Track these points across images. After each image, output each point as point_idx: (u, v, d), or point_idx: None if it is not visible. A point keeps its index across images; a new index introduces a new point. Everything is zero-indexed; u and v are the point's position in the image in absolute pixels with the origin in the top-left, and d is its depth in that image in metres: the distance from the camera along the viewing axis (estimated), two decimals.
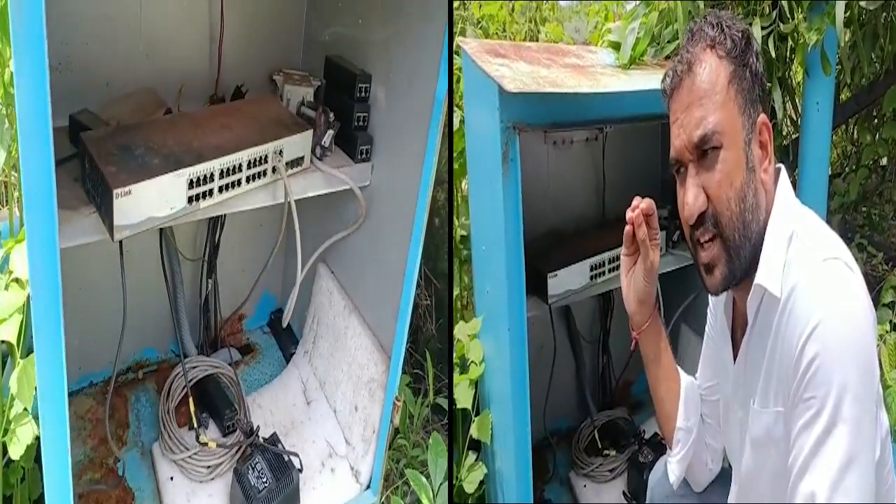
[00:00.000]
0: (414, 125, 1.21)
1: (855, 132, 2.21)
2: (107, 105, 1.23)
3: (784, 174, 0.83)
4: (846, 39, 1.50)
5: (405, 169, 1.25)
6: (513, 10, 2.16)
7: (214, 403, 1.48)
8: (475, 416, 1.30)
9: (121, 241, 1.08)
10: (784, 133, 1.61)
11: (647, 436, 1.58)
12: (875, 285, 1.96)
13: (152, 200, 1.00)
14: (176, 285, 1.49)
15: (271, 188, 1.22)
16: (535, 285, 1.29)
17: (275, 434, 1.42)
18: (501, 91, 0.99)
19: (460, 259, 1.56)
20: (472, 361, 1.28)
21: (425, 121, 1.16)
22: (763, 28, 1.31)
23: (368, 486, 1.44)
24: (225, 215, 1.53)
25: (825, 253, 0.76)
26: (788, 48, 1.42)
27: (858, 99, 1.93)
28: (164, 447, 1.39)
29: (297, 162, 1.25)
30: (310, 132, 1.26)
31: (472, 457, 1.32)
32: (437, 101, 1.13)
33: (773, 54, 1.31)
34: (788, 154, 1.57)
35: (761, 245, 0.79)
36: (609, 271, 1.39)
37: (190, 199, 1.06)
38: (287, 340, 1.80)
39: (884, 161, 2.24)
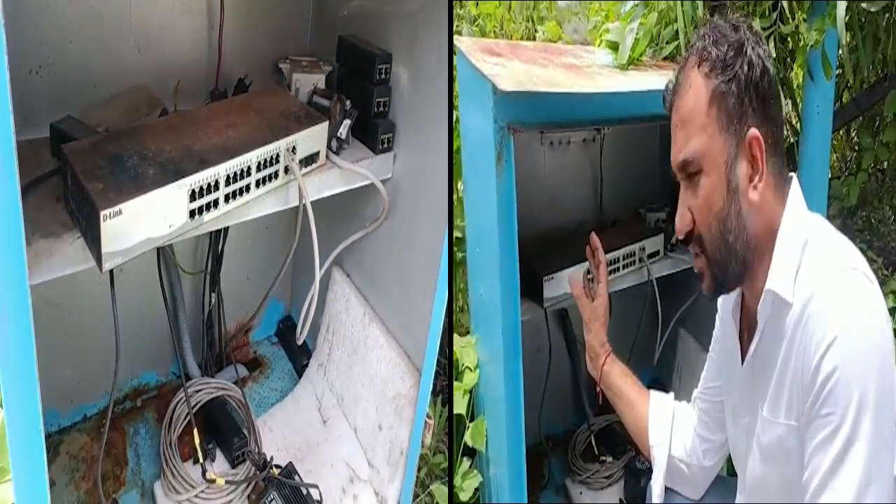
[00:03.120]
0: (443, 108, 1.09)
1: (855, 136, 2.20)
2: (94, 109, 1.12)
3: (795, 183, 0.81)
4: (847, 41, 1.48)
5: (432, 157, 1.13)
6: (510, 8, 2.14)
7: (221, 430, 1.36)
8: (470, 422, 1.27)
9: None
10: (784, 136, 1.59)
11: None
12: None
13: (148, 219, 0.87)
14: (176, 302, 1.38)
15: (283, 191, 1.09)
16: (531, 288, 1.26)
17: (290, 465, 1.29)
18: (495, 90, 0.97)
19: (456, 262, 1.53)
20: (466, 367, 1.26)
21: None
22: (763, 29, 1.29)
23: None
24: None
25: (843, 263, 0.73)
26: (789, 50, 1.41)
27: (859, 102, 1.91)
28: (166, 486, 1.26)
29: (311, 159, 1.12)
30: (325, 124, 1.12)
31: (466, 464, 1.30)
32: None
33: (774, 55, 1.29)
34: (790, 157, 1.55)
35: (753, 260, 0.80)
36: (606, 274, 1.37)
37: (192, 213, 0.93)
38: (298, 352, 1.68)
39: (884, 165, 2.22)
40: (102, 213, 0.80)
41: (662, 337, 1.52)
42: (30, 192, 0.92)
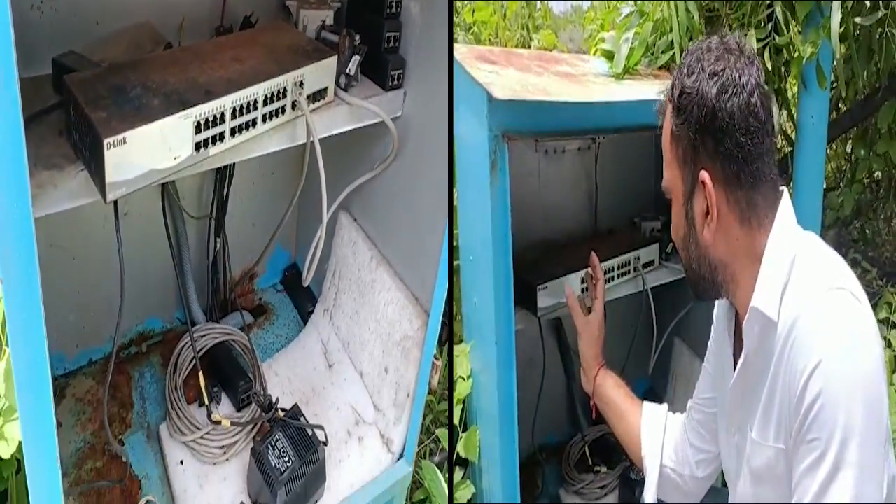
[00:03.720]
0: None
1: (849, 147, 2.20)
2: (97, 46, 1.07)
3: (786, 198, 0.81)
4: (841, 53, 1.49)
5: (443, 95, 1.10)
6: (505, 16, 2.14)
7: (227, 374, 1.35)
8: (462, 432, 1.26)
9: (115, 202, 0.93)
10: (779, 146, 1.60)
11: None
12: (870, 301, 1.94)
13: (152, 150, 0.85)
14: (181, 247, 1.35)
15: (290, 127, 1.05)
16: (525, 298, 1.26)
17: (296, 406, 1.28)
18: (490, 98, 0.97)
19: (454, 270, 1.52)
20: (459, 377, 1.25)
21: None
22: (758, 40, 1.30)
23: (401, 456, 1.30)
24: (234, 164, 1.36)
25: (830, 282, 0.72)
26: (784, 61, 1.41)
27: (853, 114, 1.92)
28: (172, 428, 1.26)
29: (319, 95, 1.09)
30: (333, 59, 1.09)
31: (459, 474, 1.29)
32: None
33: (770, 67, 1.30)
34: (784, 167, 1.55)
35: (725, 280, 0.82)
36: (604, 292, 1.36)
37: (197, 146, 0.91)
38: (303, 299, 1.66)
39: (878, 176, 2.23)
40: (106, 140, 0.78)
41: (657, 346, 1.52)
42: (31, 126, 0.87)
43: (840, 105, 1.91)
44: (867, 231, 2.32)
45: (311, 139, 1.05)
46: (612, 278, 1.38)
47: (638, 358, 1.57)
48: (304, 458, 1.18)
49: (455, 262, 1.49)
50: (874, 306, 1.89)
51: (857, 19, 1.33)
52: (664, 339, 1.54)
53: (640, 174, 1.59)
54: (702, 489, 1.03)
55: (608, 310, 1.60)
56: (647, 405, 1.07)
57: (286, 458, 1.17)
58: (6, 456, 0.97)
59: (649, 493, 1.03)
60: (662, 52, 1.39)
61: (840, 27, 1.22)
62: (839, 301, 0.71)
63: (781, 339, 0.73)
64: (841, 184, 2.24)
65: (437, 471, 1.33)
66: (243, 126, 0.97)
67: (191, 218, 1.39)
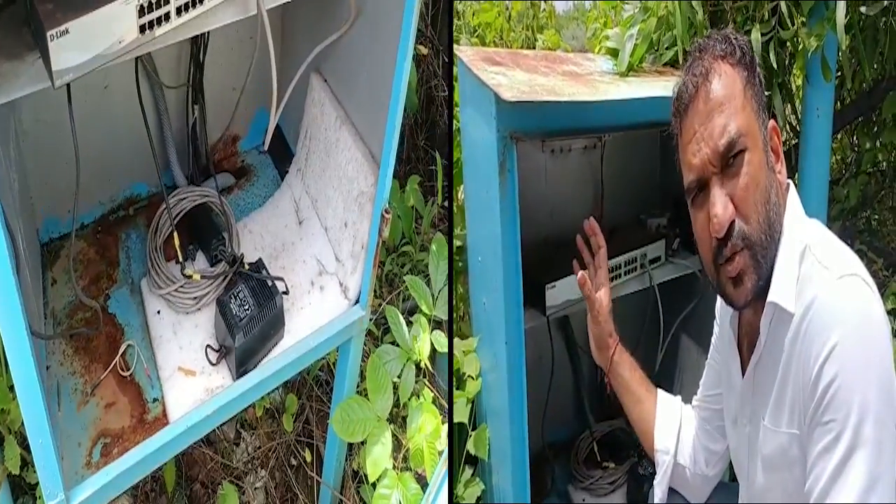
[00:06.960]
0: None
1: (855, 138, 2.20)
2: None
3: (793, 189, 0.82)
4: (846, 45, 1.48)
5: None
6: (510, 17, 2.14)
7: (203, 234, 1.47)
8: (472, 430, 1.27)
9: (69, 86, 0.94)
10: (784, 139, 1.60)
11: None
12: None
13: (96, 37, 0.89)
14: (161, 116, 1.43)
15: None
16: (533, 296, 1.26)
17: (260, 260, 1.40)
18: (498, 100, 0.97)
19: (456, 270, 1.53)
20: (468, 376, 1.26)
21: None
22: (763, 34, 1.29)
23: (357, 301, 1.41)
24: (208, 33, 1.39)
25: (841, 269, 0.74)
26: (788, 54, 1.41)
27: (858, 105, 1.92)
28: (151, 283, 1.40)
29: None
30: None
31: (468, 472, 1.30)
32: None
33: (774, 60, 1.29)
34: (789, 160, 1.55)
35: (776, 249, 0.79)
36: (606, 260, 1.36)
37: (142, 29, 0.94)
38: (284, 158, 1.72)
39: (883, 167, 2.23)
40: (49, 33, 0.83)
41: (664, 343, 1.52)
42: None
43: (845, 96, 1.91)
44: (873, 222, 2.32)
45: (260, 12, 1.01)
46: (619, 275, 1.39)
47: (645, 354, 1.58)
48: (262, 306, 1.30)
49: (460, 264, 1.50)
50: (881, 297, 1.89)
51: (863, 9, 1.32)
52: (671, 335, 1.54)
53: (646, 171, 1.59)
54: (710, 485, 1.04)
55: (615, 307, 1.60)
56: (663, 395, 1.07)
57: (246, 307, 1.30)
58: None
59: (660, 487, 1.03)
60: (667, 49, 1.39)
61: (845, 17, 1.21)
62: (851, 287, 0.72)
63: (794, 326, 0.74)
64: (846, 175, 2.24)
65: (399, 313, 1.47)
66: (189, 4, 0.96)
67: (169, 88, 1.43)
